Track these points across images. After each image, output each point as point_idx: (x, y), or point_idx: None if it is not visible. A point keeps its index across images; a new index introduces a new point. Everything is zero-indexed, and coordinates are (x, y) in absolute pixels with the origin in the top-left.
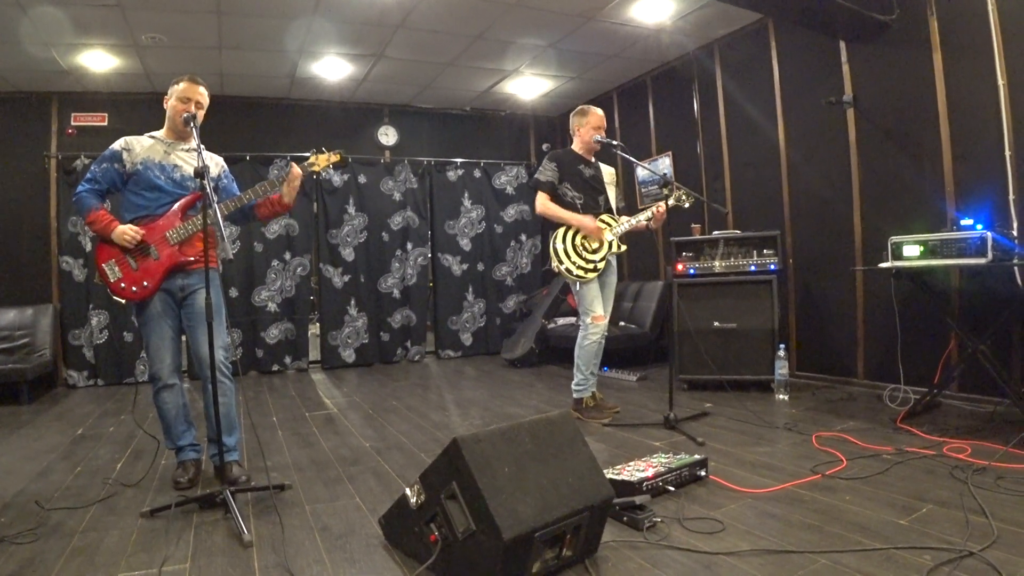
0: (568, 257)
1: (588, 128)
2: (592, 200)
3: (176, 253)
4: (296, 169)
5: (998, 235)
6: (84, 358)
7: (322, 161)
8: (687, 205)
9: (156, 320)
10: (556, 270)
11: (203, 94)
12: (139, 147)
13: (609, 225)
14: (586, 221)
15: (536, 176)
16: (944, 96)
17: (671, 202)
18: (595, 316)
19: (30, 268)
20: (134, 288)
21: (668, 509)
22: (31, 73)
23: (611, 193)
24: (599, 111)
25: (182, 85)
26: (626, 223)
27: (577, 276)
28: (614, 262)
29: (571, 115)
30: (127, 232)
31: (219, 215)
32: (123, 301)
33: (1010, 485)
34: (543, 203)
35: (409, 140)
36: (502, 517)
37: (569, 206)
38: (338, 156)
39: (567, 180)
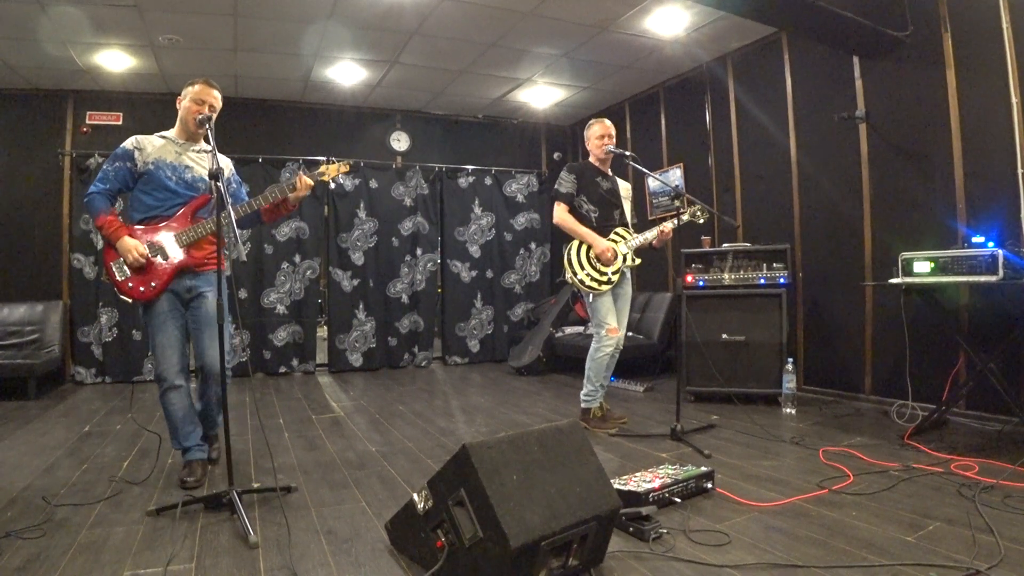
0: (583, 268)
1: (594, 138)
2: (607, 214)
3: (184, 255)
4: (307, 180)
5: (1009, 253)
6: (92, 355)
7: (332, 171)
8: (702, 221)
9: (163, 320)
10: (570, 280)
11: (217, 97)
12: (151, 147)
13: (624, 238)
14: (599, 241)
15: (556, 187)
16: (957, 113)
17: (686, 217)
18: (609, 329)
19: (41, 264)
20: (141, 288)
21: (674, 520)
22: (48, 71)
23: (627, 207)
24: (604, 120)
25: (196, 87)
26: (639, 238)
27: (591, 287)
28: (629, 274)
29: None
30: (132, 252)
31: (232, 217)
32: (130, 300)
33: (1018, 504)
34: (561, 215)
35: (421, 146)
36: (510, 525)
37: (584, 219)
38: (347, 167)
39: (584, 193)
